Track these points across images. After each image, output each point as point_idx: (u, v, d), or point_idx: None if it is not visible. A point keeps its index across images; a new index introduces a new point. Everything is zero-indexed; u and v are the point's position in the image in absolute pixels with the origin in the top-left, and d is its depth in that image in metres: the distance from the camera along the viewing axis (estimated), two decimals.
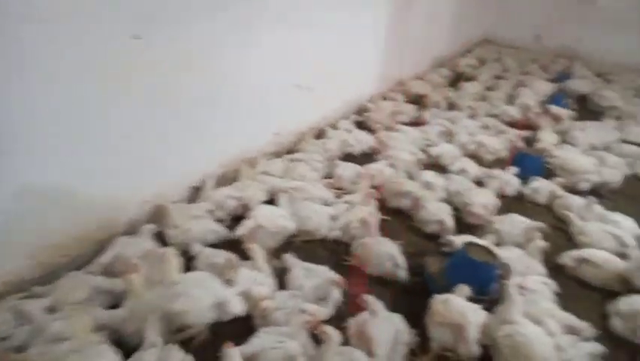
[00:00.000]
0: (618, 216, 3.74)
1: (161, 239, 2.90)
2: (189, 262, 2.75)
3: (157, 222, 2.94)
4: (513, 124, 5.71)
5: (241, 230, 2.94)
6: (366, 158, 4.58)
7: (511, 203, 4.13)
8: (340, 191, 3.83)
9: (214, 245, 2.91)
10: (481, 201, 3.62)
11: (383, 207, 3.69)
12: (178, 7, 2.80)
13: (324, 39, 4.43)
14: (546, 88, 7.18)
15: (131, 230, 2.91)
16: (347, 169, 4.02)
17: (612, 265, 3.11)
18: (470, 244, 2.90)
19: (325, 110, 4.99)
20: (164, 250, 2.56)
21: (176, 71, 2.90)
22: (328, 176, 4.03)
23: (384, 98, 6.06)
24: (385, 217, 3.55)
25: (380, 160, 4.36)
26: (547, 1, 10.17)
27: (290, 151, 4.39)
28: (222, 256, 2.61)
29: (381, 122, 5.22)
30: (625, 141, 5.68)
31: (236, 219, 3.24)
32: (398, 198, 3.70)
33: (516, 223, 3.51)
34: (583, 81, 7.76)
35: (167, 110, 2.97)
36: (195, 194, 3.37)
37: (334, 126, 4.99)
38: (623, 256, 3.30)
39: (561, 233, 3.74)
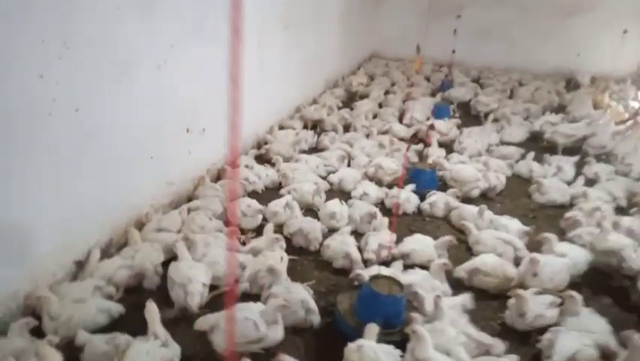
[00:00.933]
0: (506, 220, 4.02)
1: (40, 333, 2.53)
2: (79, 353, 2.44)
3: (34, 313, 2.57)
4: (406, 140, 5.99)
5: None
6: (270, 193, 4.49)
7: (412, 221, 4.30)
8: (245, 235, 3.69)
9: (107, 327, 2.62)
10: (377, 241, 3.60)
11: (290, 246, 3.62)
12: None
13: (207, 77, 4.28)
14: (431, 99, 7.67)
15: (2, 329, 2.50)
16: (249, 210, 3.89)
17: (502, 271, 3.28)
18: (376, 277, 2.91)
19: (222, 148, 4.83)
20: (39, 346, 2.23)
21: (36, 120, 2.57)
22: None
23: (283, 128, 6.06)
24: (293, 257, 3.47)
25: (284, 194, 4.30)
26: (422, 14, 10.94)
27: (190, 198, 4.17)
28: (112, 341, 2.32)
29: (282, 154, 5.18)
30: (503, 143, 6.22)
31: (131, 290, 2.96)
32: (302, 236, 3.64)
33: (421, 244, 3.62)
34: (462, 89, 8.42)
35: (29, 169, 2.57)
36: (80, 269, 3.01)
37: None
38: (518, 259, 3.54)
39: (462, 245, 3.92)
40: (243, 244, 3.54)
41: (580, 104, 7.72)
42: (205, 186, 4.22)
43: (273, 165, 4.92)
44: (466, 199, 4.59)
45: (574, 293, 2.93)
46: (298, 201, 4.16)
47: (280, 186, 4.60)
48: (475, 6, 10.51)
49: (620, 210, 4.52)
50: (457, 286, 3.27)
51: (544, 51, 10.43)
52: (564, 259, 3.32)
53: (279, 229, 3.76)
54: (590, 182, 5.09)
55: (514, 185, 5.14)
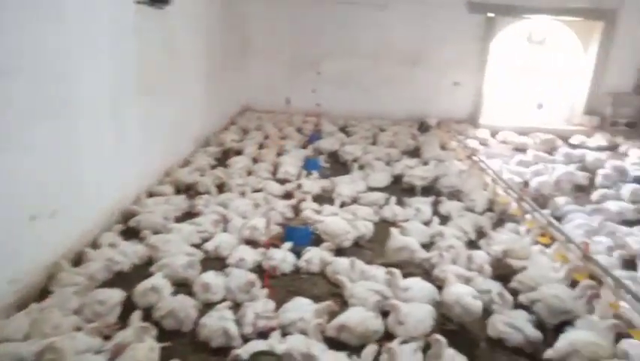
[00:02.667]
0: (375, 269, 4.27)
1: None
2: None
3: None
4: (280, 196, 6.14)
5: None
6: (139, 272, 4.21)
7: (289, 280, 4.35)
8: (111, 326, 3.38)
9: None
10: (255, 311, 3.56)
11: (161, 331, 3.41)
12: None
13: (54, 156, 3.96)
14: (302, 152, 8.00)
15: None
16: (112, 297, 3.58)
17: (365, 325, 3.39)
18: (255, 355, 2.87)
19: (79, 228, 4.43)
20: None
21: None
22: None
23: (153, 195, 5.79)
24: (165, 344, 3.26)
25: (154, 272, 4.06)
26: (289, 69, 11.57)
27: (43, 293, 3.70)
28: None
29: (152, 225, 4.92)
30: (370, 189, 6.69)
31: None
32: (174, 317, 3.45)
33: (300, 308, 3.64)
34: (330, 139, 8.93)
35: None
36: None
37: (96, 244, 4.47)
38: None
39: (339, 299, 4.04)
40: (106, 338, 3.23)
41: (429, 145, 8.68)
42: (61, 276, 3.80)
43: (142, 239, 4.64)
44: (340, 252, 4.80)
45: (439, 337, 3.20)
46: (170, 277, 3.96)
47: (151, 261, 4.34)
48: (333, 56, 11.38)
49: (471, 244, 5.11)
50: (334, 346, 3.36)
51: (397, 97, 11.60)
52: (427, 305, 3.61)
53: (148, 312, 3.53)
54: (445, 219, 5.68)
55: (381, 230, 5.50)
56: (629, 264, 4.65)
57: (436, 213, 5.85)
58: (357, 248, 4.98)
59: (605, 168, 7.85)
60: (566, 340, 3.19)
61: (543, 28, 11.22)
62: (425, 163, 7.77)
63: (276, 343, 3.21)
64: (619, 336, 3.33)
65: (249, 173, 6.93)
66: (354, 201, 6.17)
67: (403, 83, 11.53)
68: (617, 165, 7.91)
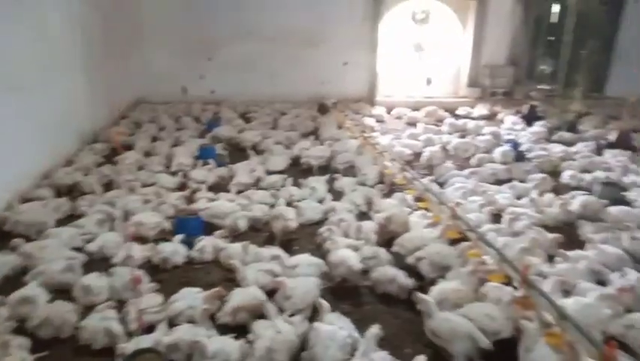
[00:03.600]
0: (268, 251, 4.35)
1: None
2: None
3: None
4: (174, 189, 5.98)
5: None
6: (11, 284, 3.90)
7: (183, 272, 4.30)
8: None
9: None
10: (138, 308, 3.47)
11: (36, 341, 3.21)
12: None
13: None
14: (199, 142, 7.81)
15: None
16: None
17: (253, 304, 3.49)
18: (134, 353, 2.82)
19: None
20: None
21: None
22: None
23: (30, 200, 5.35)
24: (40, 354, 3.08)
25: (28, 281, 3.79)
26: (185, 56, 11.17)
27: None
28: None
29: (25, 233, 4.56)
30: (269, 173, 6.74)
31: None
32: (50, 325, 3.27)
33: (188, 298, 3.61)
34: (229, 126, 8.82)
35: None
36: None
37: None
38: None
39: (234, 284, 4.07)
40: None
41: (327, 126, 8.92)
42: None
43: (14, 249, 4.28)
44: (234, 236, 4.81)
45: (322, 302, 3.38)
46: (47, 284, 3.73)
47: (25, 270, 4.03)
48: (231, 40, 11.17)
49: (363, 215, 5.38)
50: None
51: (298, 80, 11.70)
52: (312, 278, 3.78)
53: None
54: (340, 195, 5.91)
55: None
56: (496, 218, 5.19)
57: (331, 190, 6.08)
58: (255, 232, 5.04)
59: (484, 134, 8.63)
60: (436, 290, 3.52)
61: (424, 8, 11.87)
62: (323, 143, 7.98)
63: (161, 336, 3.18)
64: (482, 281, 3.72)
65: (140, 168, 6.65)
66: (254, 186, 6.19)
67: (302, 66, 11.63)
68: (493, 131, 8.71)
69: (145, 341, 3.10)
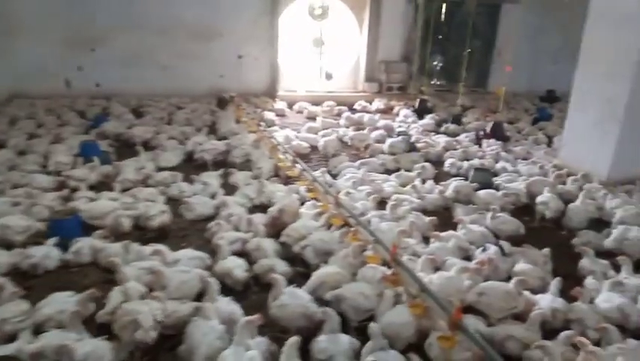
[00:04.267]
0: (149, 247, 4.20)
1: None
2: None
3: None
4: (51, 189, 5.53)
5: None
6: None
7: (57, 276, 4.01)
8: None
9: None
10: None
11: None
12: None
13: None
14: (82, 138, 7.29)
15: None
16: None
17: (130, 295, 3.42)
18: None
19: None
20: None
21: None
22: None
23: None
24: None
25: None
26: (68, 48, 10.32)
27: None
28: None
29: None
30: (160, 169, 6.48)
31: None
32: None
33: (58, 302, 3.38)
34: (117, 122, 8.33)
35: None
36: None
37: None
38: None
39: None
40: None
41: (225, 120, 8.80)
42: None
43: None
44: (120, 235, 4.58)
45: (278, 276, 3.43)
46: None
47: None
48: (121, 32, 10.54)
49: (256, 208, 5.40)
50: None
51: (196, 74, 11.38)
52: (194, 270, 3.73)
53: None
54: (235, 189, 5.87)
55: (171, 208, 5.40)
56: (382, 205, 5.49)
57: (226, 184, 6.02)
58: (141, 231, 4.83)
59: (378, 128, 9.08)
60: (315, 274, 3.66)
61: (322, 4, 12.14)
62: (220, 138, 7.86)
63: (23, 344, 2.94)
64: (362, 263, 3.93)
65: (12, 168, 6.05)
66: (142, 183, 5.92)
67: (200, 59, 11.32)
68: (386, 124, 9.20)
69: (3, 351, 2.86)
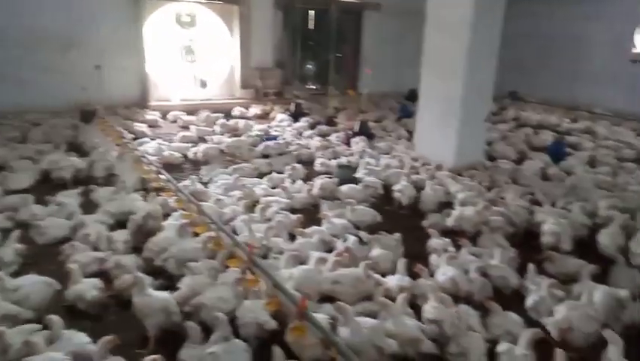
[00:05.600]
0: None
1: None
2: None
3: None
4: None
5: None
6: None
7: None
8: None
9: None
10: None
11: None
12: None
13: None
14: None
15: None
16: None
17: None
18: None
19: None
20: None
21: None
22: None
23: None
24: None
25: None
26: None
27: None
28: None
29: None
30: (8, 192, 5.87)
31: None
32: None
33: None
34: None
35: None
36: None
37: None
38: None
39: None
40: None
41: (89, 134, 8.24)
42: None
43: None
44: None
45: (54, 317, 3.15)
46: None
47: None
48: None
49: (119, 225, 5.15)
50: None
51: (55, 87, 10.47)
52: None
53: None
54: (96, 206, 5.54)
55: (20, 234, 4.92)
56: (251, 207, 5.60)
57: (88, 202, 5.66)
58: None
59: (252, 131, 9.21)
60: (184, 283, 3.64)
61: (188, 12, 11.93)
62: (83, 154, 7.34)
63: None
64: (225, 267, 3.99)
65: None
66: None
67: (61, 72, 10.44)
68: (261, 129, 9.37)
69: None
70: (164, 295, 3.39)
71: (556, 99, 13.87)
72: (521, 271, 4.36)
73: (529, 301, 3.85)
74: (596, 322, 3.43)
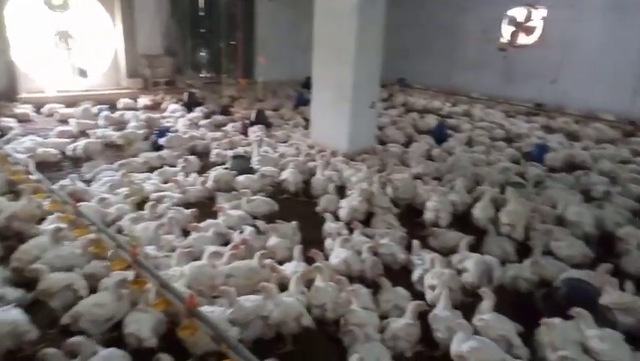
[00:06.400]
0: None
1: None
2: None
3: None
4: None
5: None
6: None
7: None
8: None
9: None
10: None
11: None
12: None
13: None
14: None
15: None
16: None
17: None
18: None
19: None
20: None
21: None
22: None
23: None
24: None
25: None
26: None
27: None
28: None
29: None
30: None
31: None
32: None
33: None
34: None
35: None
36: None
37: None
38: None
39: None
40: None
41: None
42: None
43: None
44: None
45: None
46: None
47: None
48: None
49: None
50: None
51: None
52: None
53: None
54: None
55: None
56: (140, 205, 5.27)
57: None
58: None
59: (141, 125, 8.65)
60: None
61: None
62: None
63: None
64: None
65: None
66: None
67: None
68: (148, 120, 8.83)
69: None
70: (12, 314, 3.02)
71: (438, 85, 14.95)
72: (409, 247, 4.65)
73: (415, 275, 4.13)
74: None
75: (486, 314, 3.39)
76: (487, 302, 3.46)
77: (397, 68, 14.98)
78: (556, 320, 3.28)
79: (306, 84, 13.88)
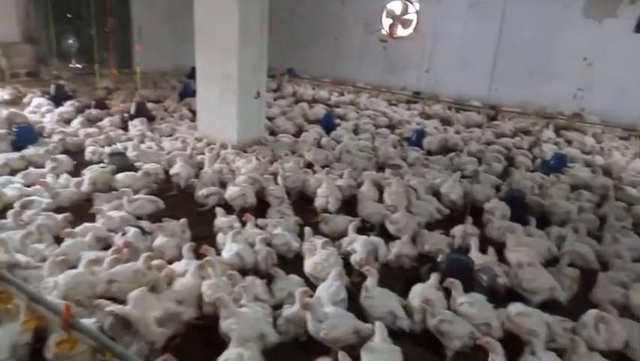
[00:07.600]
0: None
1: None
2: None
3: None
4: None
5: None
6: None
7: None
8: None
9: None
10: None
11: None
12: None
13: None
14: None
15: None
16: None
17: None
18: None
19: None
20: None
21: None
22: None
23: None
24: None
25: None
26: None
27: None
28: None
29: None
30: None
31: None
32: None
33: None
34: None
35: None
36: None
37: None
38: None
39: None
40: None
41: None
42: None
43: None
44: None
45: None
46: None
47: None
48: None
49: None
50: None
51: None
52: None
53: None
54: None
55: None
56: (2, 213, 4.67)
57: None
58: None
59: None
60: None
61: None
62: None
63: None
64: None
65: None
66: None
67: None
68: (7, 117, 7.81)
69: None
70: None
71: (326, 75, 15.34)
72: (302, 235, 4.74)
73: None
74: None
75: (372, 291, 3.60)
76: (372, 279, 3.67)
77: (287, 59, 15.07)
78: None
79: (193, 74, 13.30)
